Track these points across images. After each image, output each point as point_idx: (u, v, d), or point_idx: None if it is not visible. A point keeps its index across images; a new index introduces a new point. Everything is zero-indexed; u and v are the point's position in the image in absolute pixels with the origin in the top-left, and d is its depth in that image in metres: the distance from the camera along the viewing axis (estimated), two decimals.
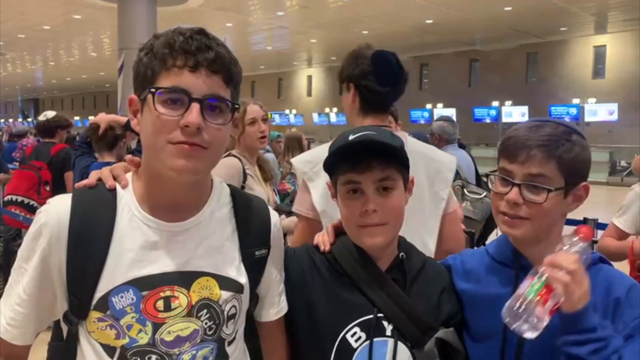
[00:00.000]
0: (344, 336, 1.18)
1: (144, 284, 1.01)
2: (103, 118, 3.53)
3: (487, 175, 1.23)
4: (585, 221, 4.04)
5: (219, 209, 1.13)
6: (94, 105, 40.85)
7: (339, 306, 1.21)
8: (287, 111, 29.90)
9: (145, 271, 1.01)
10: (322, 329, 1.20)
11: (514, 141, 1.19)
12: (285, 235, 2.99)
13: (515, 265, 1.23)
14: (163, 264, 1.03)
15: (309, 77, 30.87)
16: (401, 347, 1.18)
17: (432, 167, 1.88)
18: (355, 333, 1.18)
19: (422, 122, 23.09)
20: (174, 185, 1.04)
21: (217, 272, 1.07)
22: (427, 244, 1.77)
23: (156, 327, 1.01)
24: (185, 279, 1.04)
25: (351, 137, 1.20)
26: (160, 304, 1.01)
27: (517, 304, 1.05)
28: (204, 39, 0.99)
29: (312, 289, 1.24)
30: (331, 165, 1.25)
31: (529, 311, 1.04)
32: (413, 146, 1.88)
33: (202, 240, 1.08)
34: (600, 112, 19.83)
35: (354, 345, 1.18)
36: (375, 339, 1.18)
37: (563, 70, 21.95)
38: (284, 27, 18.83)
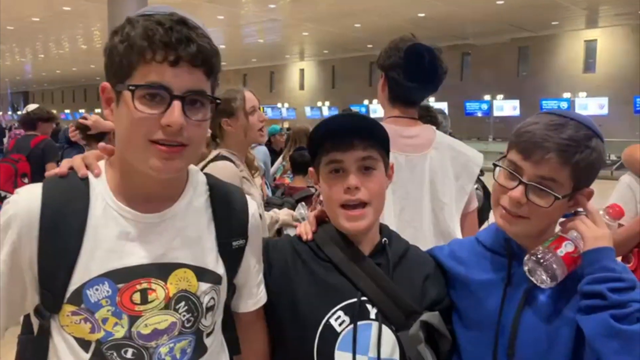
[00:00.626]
0: (327, 320, 1.18)
1: (120, 276, 0.98)
2: (99, 125, 3.53)
3: (494, 165, 1.20)
4: (575, 214, 4.05)
5: (195, 198, 1.10)
6: (84, 99, 40.48)
7: (323, 291, 1.21)
8: (279, 105, 29.79)
9: (120, 263, 0.98)
10: (305, 315, 1.20)
11: (531, 137, 1.12)
12: (280, 230, 2.91)
13: (507, 252, 1.22)
14: (139, 256, 1.00)
15: (302, 71, 30.76)
16: (386, 330, 1.18)
17: (459, 161, 1.90)
18: (339, 317, 1.18)
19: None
20: (149, 179, 1.01)
21: (195, 264, 1.05)
22: (455, 236, 1.78)
23: (132, 320, 0.99)
24: (163, 270, 1.02)
25: (334, 119, 1.24)
26: (136, 297, 0.99)
27: (536, 252, 1.09)
28: (185, 29, 0.93)
29: (296, 278, 1.24)
30: (315, 146, 1.26)
31: (547, 259, 1.07)
32: (441, 139, 1.90)
33: (179, 231, 1.05)
34: (590, 106, 19.92)
35: (338, 329, 1.17)
36: (359, 322, 1.17)
37: (554, 65, 22.02)
38: (276, 19, 18.73)
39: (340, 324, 1.18)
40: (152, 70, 0.93)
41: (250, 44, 24.02)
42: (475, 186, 3.46)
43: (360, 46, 22.78)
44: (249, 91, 2.42)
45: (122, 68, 0.94)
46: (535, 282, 1.10)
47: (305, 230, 1.30)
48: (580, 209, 1.15)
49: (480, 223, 3.66)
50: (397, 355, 1.18)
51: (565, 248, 1.09)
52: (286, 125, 19.87)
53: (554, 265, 1.07)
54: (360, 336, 1.17)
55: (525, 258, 1.12)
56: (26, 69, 32.97)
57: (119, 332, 0.98)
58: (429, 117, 2.98)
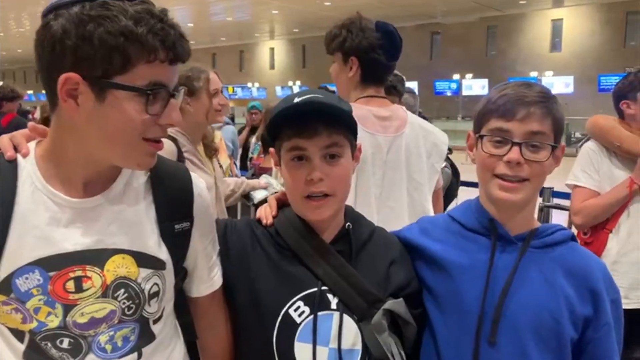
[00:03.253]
0: (287, 311, 1.13)
1: (51, 264, 0.93)
2: None
3: (481, 136, 1.16)
4: (541, 190, 4.16)
5: (135, 179, 1.04)
6: None
7: (282, 280, 1.16)
8: (249, 84, 29.48)
9: (52, 250, 0.93)
10: (264, 304, 1.15)
11: (509, 99, 1.13)
12: (247, 195, 2.83)
13: (493, 233, 1.18)
14: (72, 242, 0.94)
15: (272, 50, 30.41)
16: (347, 320, 1.13)
17: (430, 139, 1.93)
18: (298, 307, 1.13)
19: None
20: (90, 167, 0.97)
21: (134, 249, 1.00)
22: (429, 214, 1.82)
23: (67, 309, 0.94)
24: (98, 257, 0.96)
25: (297, 100, 1.12)
26: (70, 285, 0.94)
27: None
28: (176, 25, 0.92)
29: (254, 263, 1.18)
30: (275, 130, 1.17)
31: None
32: (412, 118, 1.93)
33: (116, 215, 0.99)
34: (556, 84, 20.26)
35: (298, 320, 1.13)
36: (319, 313, 1.13)
37: (522, 44, 22.28)
38: None
39: (299, 315, 1.13)
40: (155, 70, 0.90)
41: (219, 22, 23.60)
42: (444, 164, 3.54)
43: (331, 25, 22.51)
44: (214, 72, 2.35)
45: (112, 63, 0.87)
46: None
47: (265, 214, 1.24)
48: None
49: (450, 200, 3.74)
50: (359, 346, 1.14)
51: None
52: None
53: None
54: (320, 327, 1.12)
55: None
56: None
57: (53, 322, 0.94)
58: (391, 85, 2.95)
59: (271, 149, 1.22)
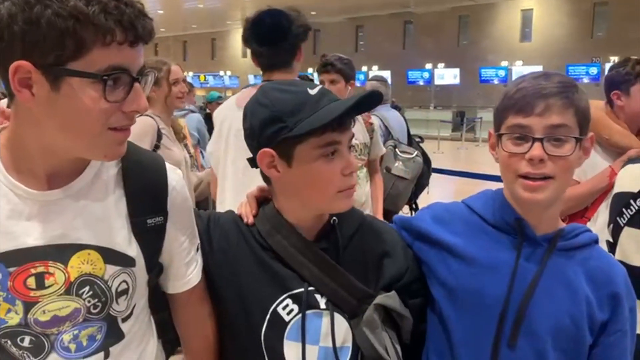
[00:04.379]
0: (275, 309, 1.10)
1: (11, 260, 0.88)
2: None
3: (500, 135, 1.11)
4: None
5: (105, 171, 0.98)
6: None
7: (269, 278, 1.12)
8: (221, 73, 29.15)
9: (11, 245, 0.88)
10: (251, 302, 1.11)
11: (526, 92, 1.07)
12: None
13: (520, 233, 1.12)
14: (34, 237, 0.89)
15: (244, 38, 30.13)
16: (339, 318, 1.10)
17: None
18: (287, 305, 1.10)
19: (358, 84, 23.08)
20: (54, 158, 0.91)
21: (100, 244, 0.94)
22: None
23: (28, 306, 0.89)
24: (62, 253, 0.91)
25: (361, 94, 1.08)
26: (31, 281, 0.89)
27: None
28: (134, 3, 0.84)
29: (240, 259, 1.14)
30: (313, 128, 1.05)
31: None
32: None
33: (83, 209, 0.94)
34: (526, 74, 20.57)
35: (286, 318, 1.10)
36: (308, 312, 1.10)
37: (493, 34, 22.55)
38: None
39: (288, 313, 1.10)
40: (114, 53, 0.82)
41: (190, 9, 23.26)
42: (415, 153, 3.58)
43: (304, 13, 22.46)
44: (176, 65, 2.81)
45: (64, 48, 0.80)
46: None
47: (246, 212, 1.19)
48: None
49: (421, 189, 3.79)
50: (349, 343, 1.11)
51: None
52: (229, 94, 19.50)
53: None
54: (310, 326, 1.09)
55: None
56: None
57: (13, 319, 0.90)
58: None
59: (267, 150, 1.08)
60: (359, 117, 1.99)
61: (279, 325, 1.10)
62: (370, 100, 1.10)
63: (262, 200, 1.20)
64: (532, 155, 1.04)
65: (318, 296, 1.11)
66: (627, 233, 1.66)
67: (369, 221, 1.24)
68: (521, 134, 1.06)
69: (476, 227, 1.18)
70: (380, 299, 1.11)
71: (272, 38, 1.98)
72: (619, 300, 1.10)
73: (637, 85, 2.27)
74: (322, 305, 1.10)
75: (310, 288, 1.11)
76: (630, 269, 1.38)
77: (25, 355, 0.93)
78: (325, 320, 1.10)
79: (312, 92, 1.07)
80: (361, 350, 1.11)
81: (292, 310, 1.10)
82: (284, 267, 1.12)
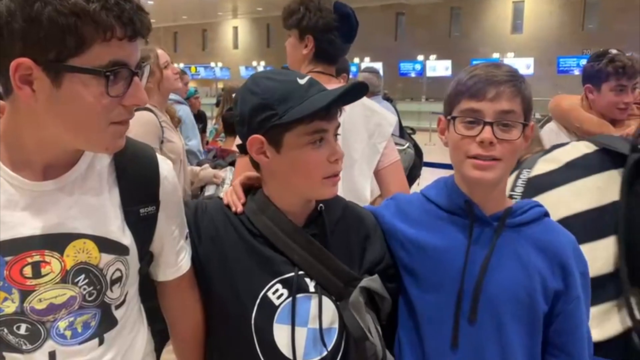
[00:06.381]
0: (265, 294, 1.13)
1: (8, 249, 0.90)
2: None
3: (452, 118, 1.17)
4: None
5: (98, 161, 1.00)
6: None
7: (258, 264, 1.15)
8: (212, 64, 28.98)
9: (8, 234, 0.90)
10: (241, 287, 1.14)
11: (479, 79, 1.15)
12: (203, 187, 2.98)
13: (470, 214, 1.20)
14: (31, 227, 0.91)
15: (235, 29, 29.96)
16: (326, 301, 1.15)
17: (373, 120, 1.94)
18: (277, 290, 1.14)
19: (350, 76, 23.15)
20: (49, 150, 0.93)
21: (96, 234, 0.97)
22: (363, 194, 1.86)
23: (24, 294, 0.92)
24: (58, 242, 0.93)
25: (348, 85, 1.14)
26: (27, 270, 0.91)
27: None
28: None
29: (228, 246, 1.16)
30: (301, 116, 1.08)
31: None
32: None
33: (78, 198, 0.96)
34: (518, 65, 20.26)
35: (276, 302, 1.13)
36: (298, 295, 1.14)
37: (484, 25, 22.57)
38: None
39: (278, 297, 1.13)
40: (114, 48, 0.84)
41: (181, 0, 23.05)
42: (407, 144, 3.57)
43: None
44: (160, 48, 2.69)
45: (65, 44, 0.81)
46: None
47: (234, 201, 1.21)
48: None
49: (413, 180, 3.79)
50: (336, 324, 1.16)
51: None
52: (220, 85, 19.42)
53: None
54: (299, 309, 1.13)
55: None
56: None
57: (10, 308, 0.92)
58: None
59: (257, 137, 1.12)
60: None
61: (268, 309, 1.13)
62: (357, 91, 1.15)
63: (249, 188, 1.23)
64: (483, 138, 1.12)
65: (307, 280, 1.15)
66: None
67: (351, 206, 1.30)
68: (473, 117, 1.14)
69: (432, 214, 1.26)
70: (366, 282, 1.17)
71: (353, 37, 1.93)
72: (569, 270, 1.18)
73: (607, 84, 2.30)
74: (311, 288, 1.15)
75: (300, 272, 1.14)
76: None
77: (22, 342, 0.95)
78: (314, 303, 1.14)
79: (302, 81, 1.12)
80: (346, 331, 1.16)
81: (282, 294, 1.14)
82: (274, 252, 1.15)
